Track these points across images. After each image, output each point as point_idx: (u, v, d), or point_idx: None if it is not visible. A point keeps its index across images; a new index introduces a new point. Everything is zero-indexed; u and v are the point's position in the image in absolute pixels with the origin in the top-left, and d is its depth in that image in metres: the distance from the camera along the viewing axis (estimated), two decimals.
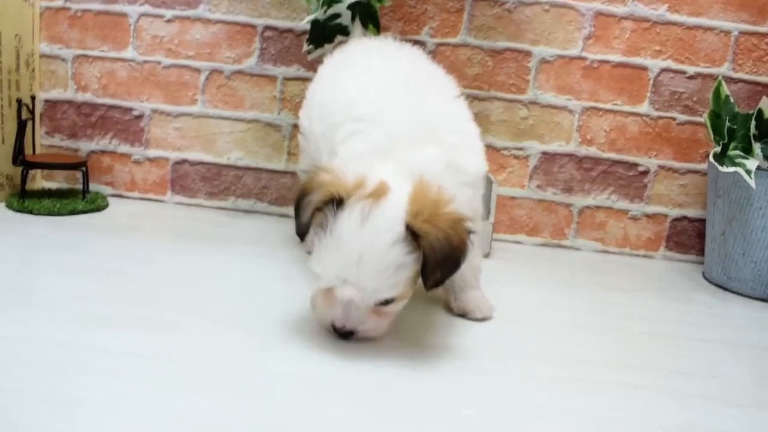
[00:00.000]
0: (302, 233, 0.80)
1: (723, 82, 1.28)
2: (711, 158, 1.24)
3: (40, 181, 1.52)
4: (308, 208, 0.77)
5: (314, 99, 1.09)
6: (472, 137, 0.94)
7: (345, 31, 1.29)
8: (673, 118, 1.43)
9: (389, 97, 0.90)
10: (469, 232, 0.79)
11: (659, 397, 0.80)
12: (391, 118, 0.86)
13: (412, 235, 0.75)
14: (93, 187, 1.50)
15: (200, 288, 1.00)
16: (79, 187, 1.44)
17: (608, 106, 1.43)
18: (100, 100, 1.49)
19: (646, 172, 1.46)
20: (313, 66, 1.38)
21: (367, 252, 0.74)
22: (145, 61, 1.46)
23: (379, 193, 0.76)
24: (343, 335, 0.82)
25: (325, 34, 1.30)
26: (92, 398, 0.65)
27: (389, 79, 0.95)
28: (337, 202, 0.76)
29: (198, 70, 1.46)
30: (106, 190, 1.52)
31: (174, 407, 0.65)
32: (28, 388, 0.66)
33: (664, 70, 1.41)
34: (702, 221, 1.46)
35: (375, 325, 0.82)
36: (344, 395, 0.72)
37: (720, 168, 1.22)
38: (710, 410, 0.78)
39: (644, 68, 1.42)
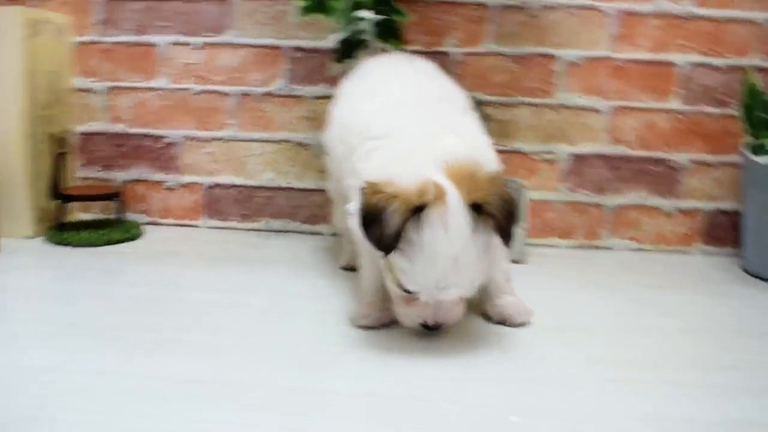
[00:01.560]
0: (392, 246, 0.79)
1: (753, 72, 1.27)
2: (745, 149, 1.23)
3: (76, 213, 1.55)
4: (395, 219, 0.77)
5: (334, 120, 1.10)
6: (485, 142, 0.95)
7: (367, 46, 1.31)
8: (704, 112, 1.42)
9: (403, 114, 0.92)
10: (505, 182, 0.84)
11: (711, 393, 0.78)
12: (407, 130, 0.89)
13: (476, 211, 0.79)
14: (128, 216, 1.53)
15: (238, 310, 1.00)
16: (114, 216, 1.47)
17: (637, 104, 1.43)
18: (132, 130, 1.52)
19: (678, 168, 1.44)
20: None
21: (461, 254, 0.78)
22: (176, 89, 1.49)
23: (440, 193, 0.79)
24: (433, 328, 0.86)
25: (349, 50, 1.32)
26: (140, 426, 0.65)
27: (401, 98, 0.97)
28: (414, 212, 0.78)
29: (227, 95, 1.49)
30: (142, 218, 1.54)
31: (221, 429, 0.66)
32: (78, 419, 0.66)
33: (692, 64, 1.41)
34: (737, 213, 1.44)
35: (457, 311, 0.86)
36: (387, 409, 0.71)
37: (755, 158, 1.20)
38: (765, 403, 0.76)
39: (672, 64, 1.41)
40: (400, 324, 0.89)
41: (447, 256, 0.78)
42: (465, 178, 0.80)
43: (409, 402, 0.73)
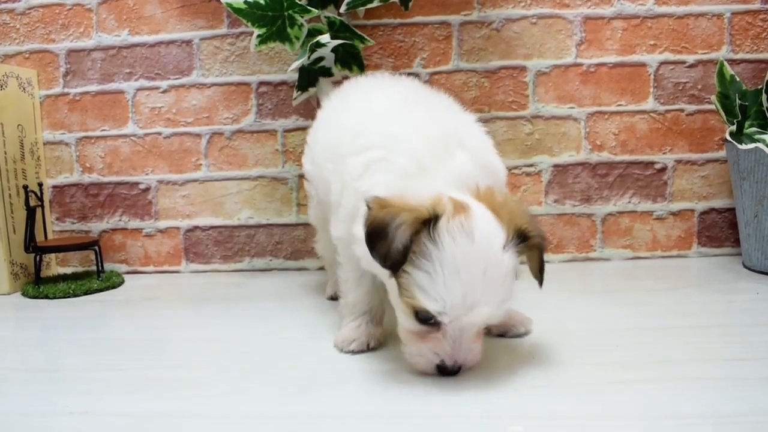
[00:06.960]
0: (400, 262, 0.70)
1: (725, 63, 1.26)
2: (728, 137, 1.20)
3: (55, 267, 1.51)
4: (403, 232, 0.69)
5: (317, 143, 1.05)
6: (489, 142, 0.89)
7: (328, 73, 1.32)
8: (682, 110, 1.40)
9: (395, 118, 0.86)
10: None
11: (723, 387, 0.73)
12: (407, 140, 0.80)
13: (520, 238, 0.74)
14: (108, 266, 1.50)
15: (221, 346, 0.96)
16: (94, 268, 1.43)
17: (613, 108, 1.40)
18: (106, 179, 1.50)
19: (663, 169, 1.41)
20: (311, 113, 1.38)
21: (489, 265, 0.70)
22: (146, 134, 1.48)
23: (461, 206, 0.72)
24: (451, 371, 0.75)
25: (310, 78, 1.32)
26: None
27: (390, 103, 0.92)
28: (430, 224, 0.70)
29: (198, 136, 1.47)
30: (121, 267, 1.51)
31: None
32: None
33: (662, 63, 1.39)
34: (731, 210, 1.40)
35: (477, 350, 0.76)
36: (383, 428, 0.66)
37: (739, 146, 1.18)
38: None
39: (642, 64, 1.39)
40: (412, 368, 0.78)
41: (473, 267, 0.69)
42: (503, 206, 0.75)
43: (406, 420, 0.67)
